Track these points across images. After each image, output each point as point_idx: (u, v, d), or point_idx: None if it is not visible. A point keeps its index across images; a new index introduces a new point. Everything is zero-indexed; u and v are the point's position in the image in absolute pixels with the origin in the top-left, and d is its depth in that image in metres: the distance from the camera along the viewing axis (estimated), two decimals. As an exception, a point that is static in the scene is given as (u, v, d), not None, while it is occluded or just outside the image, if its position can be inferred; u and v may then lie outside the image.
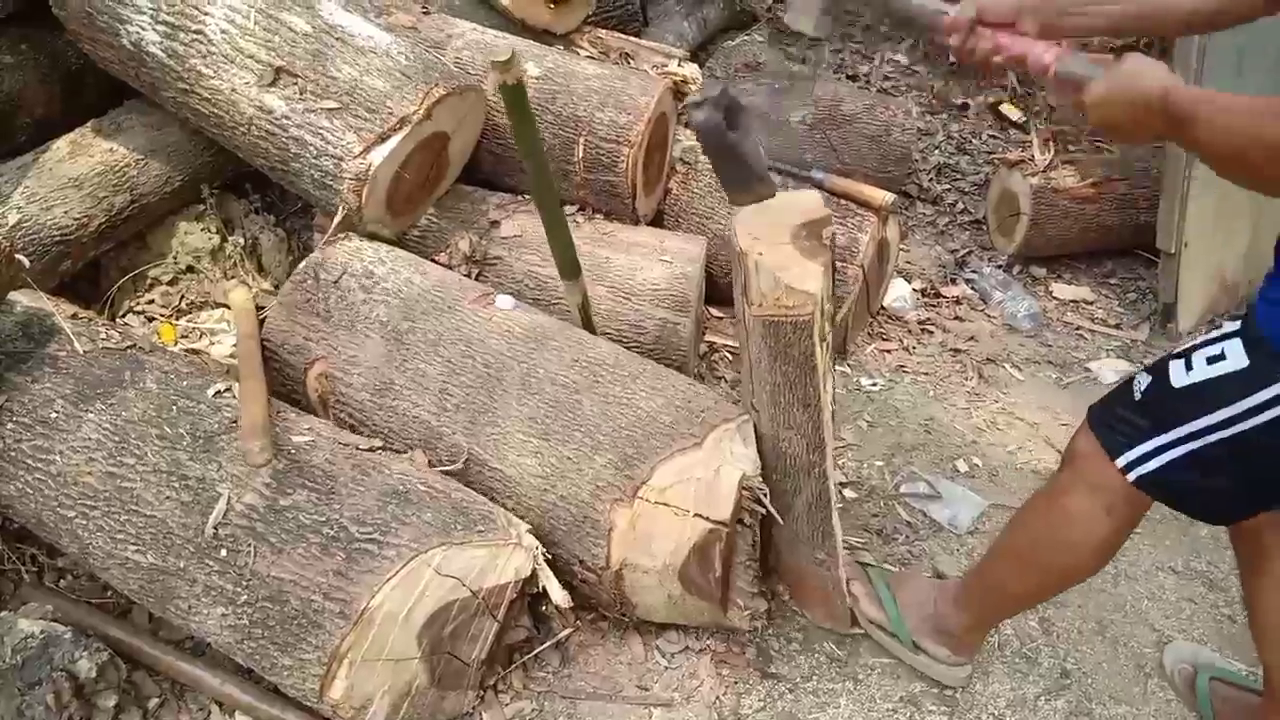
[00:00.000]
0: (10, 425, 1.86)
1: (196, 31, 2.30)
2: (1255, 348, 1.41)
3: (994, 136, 4.38)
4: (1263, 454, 1.44)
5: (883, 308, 3.27)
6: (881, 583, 2.10)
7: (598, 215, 2.80)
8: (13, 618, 1.75)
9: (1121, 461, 1.58)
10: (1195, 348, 1.50)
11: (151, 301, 2.60)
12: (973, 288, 3.55)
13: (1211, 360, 1.46)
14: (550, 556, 1.86)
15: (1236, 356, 1.42)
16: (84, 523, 1.80)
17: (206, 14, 2.29)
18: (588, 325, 2.32)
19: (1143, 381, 1.58)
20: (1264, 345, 1.40)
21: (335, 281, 2.22)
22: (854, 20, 4.69)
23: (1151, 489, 1.58)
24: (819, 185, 2.91)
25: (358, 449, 1.88)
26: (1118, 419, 1.61)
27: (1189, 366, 1.49)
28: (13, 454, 1.85)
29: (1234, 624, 2.26)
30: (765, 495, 1.90)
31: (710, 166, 1.78)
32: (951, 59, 4.57)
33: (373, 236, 2.38)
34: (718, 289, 2.91)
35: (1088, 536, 1.68)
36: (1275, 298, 1.42)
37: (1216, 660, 2.12)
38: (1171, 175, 3.30)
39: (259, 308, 2.26)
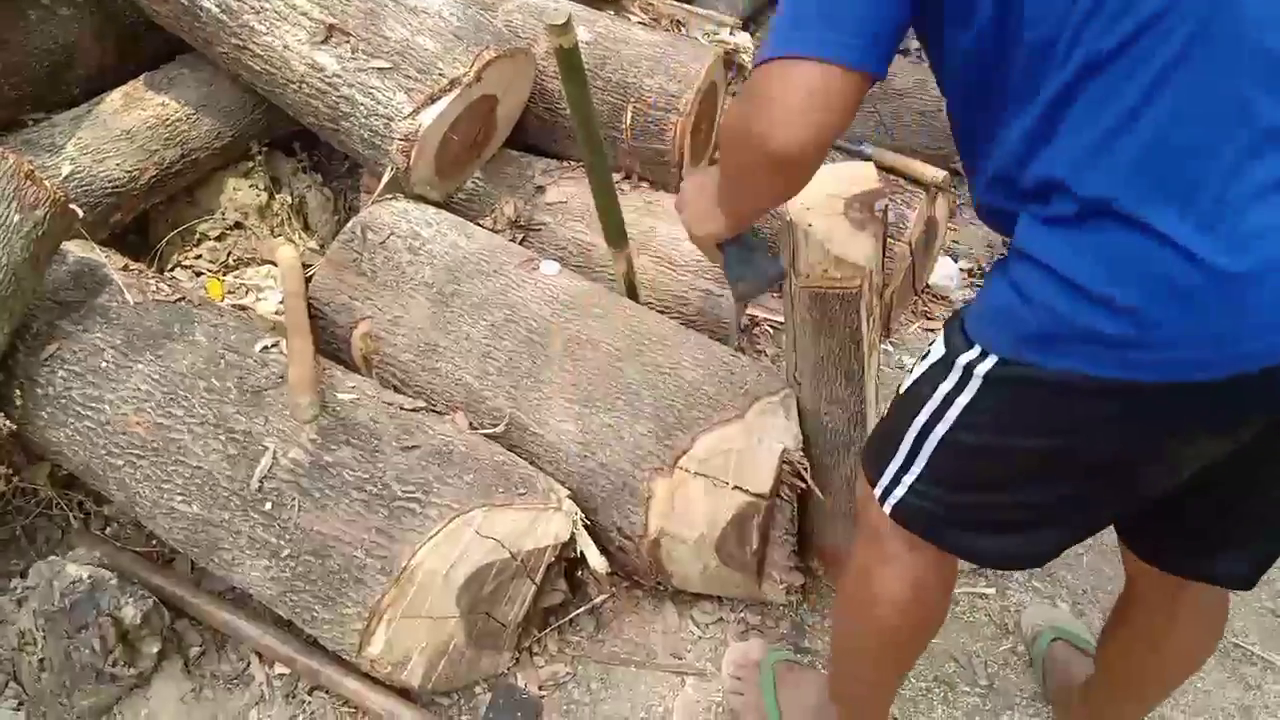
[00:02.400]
0: (61, 373, 1.89)
1: (251, -13, 2.30)
2: (950, 334, 1.23)
3: (1047, 116, 4.30)
4: (971, 462, 1.23)
5: (928, 286, 3.23)
6: (770, 682, 1.86)
7: (643, 183, 2.78)
8: (61, 562, 1.79)
9: (877, 491, 1.35)
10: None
11: (199, 256, 2.62)
12: (1020, 268, 3.49)
13: (923, 357, 1.28)
14: (589, 522, 1.86)
15: (935, 347, 1.25)
16: (131, 471, 1.83)
17: (261, -30, 2.30)
18: (632, 294, 2.31)
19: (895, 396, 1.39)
20: (956, 328, 1.22)
21: (382, 242, 2.22)
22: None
23: (909, 523, 1.33)
24: (869, 160, 2.88)
25: (401, 408, 1.89)
26: (872, 442, 1.41)
27: (910, 370, 1.32)
28: (63, 401, 1.88)
29: (1277, 618, 2.23)
30: (806, 470, 1.89)
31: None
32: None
33: (419, 198, 2.39)
34: (762, 262, 2.89)
35: (882, 595, 1.40)
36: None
37: (1068, 625, 2.05)
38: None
39: (306, 266, 2.27)
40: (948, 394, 1.20)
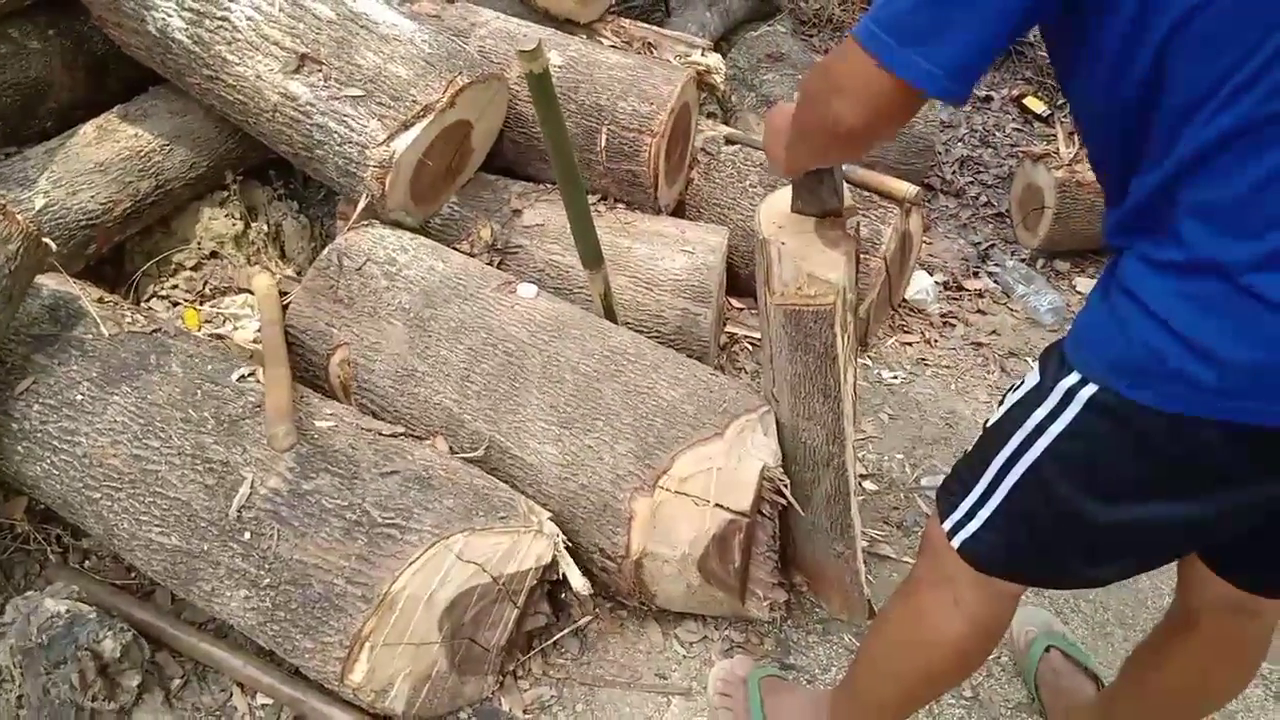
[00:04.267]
0: (37, 407, 1.88)
1: (222, 18, 2.31)
2: (1047, 362, 1.24)
3: (1018, 129, 4.36)
4: (1058, 489, 1.22)
5: (904, 300, 3.25)
6: (756, 698, 1.85)
7: (619, 205, 2.80)
8: (39, 597, 1.77)
9: (947, 525, 1.37)
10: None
11: (175, 286, 2.61)
12: (995, 281, 3.53)
13: (1015, 389, 1.29)
14: (570, 544, 1.86)
15: (1030, 376, 1.26)
16: (109, 504, 1.82)
17: (232, 0, 2.30)
18: (609, 314, 2.32)
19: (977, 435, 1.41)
20: (1054, 355, 1.23)
21: (358, 269, 2.23)
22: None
23: (978, 560, 1.35)
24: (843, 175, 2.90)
25: (380, 434, 1.88)
26: (951, 479, 1.41)
27: (1001, 402, 1.33)
28: (39, 435, 1.86)
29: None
30: (786, 486, 1.89)
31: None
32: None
33: (396, 224, 2.39)
34: (739, 279, 2.91)
35: (941, 637, 1.42)
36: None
37: (1063, 632, 2.06)
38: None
39: (282, 294, 2.27)
40: (1041, 421, 1.21)
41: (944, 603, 1.41)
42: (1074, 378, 1.17)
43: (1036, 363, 1.28)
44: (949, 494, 1.39)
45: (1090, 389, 1.15)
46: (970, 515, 1.34)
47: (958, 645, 1.42)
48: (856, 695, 1.65)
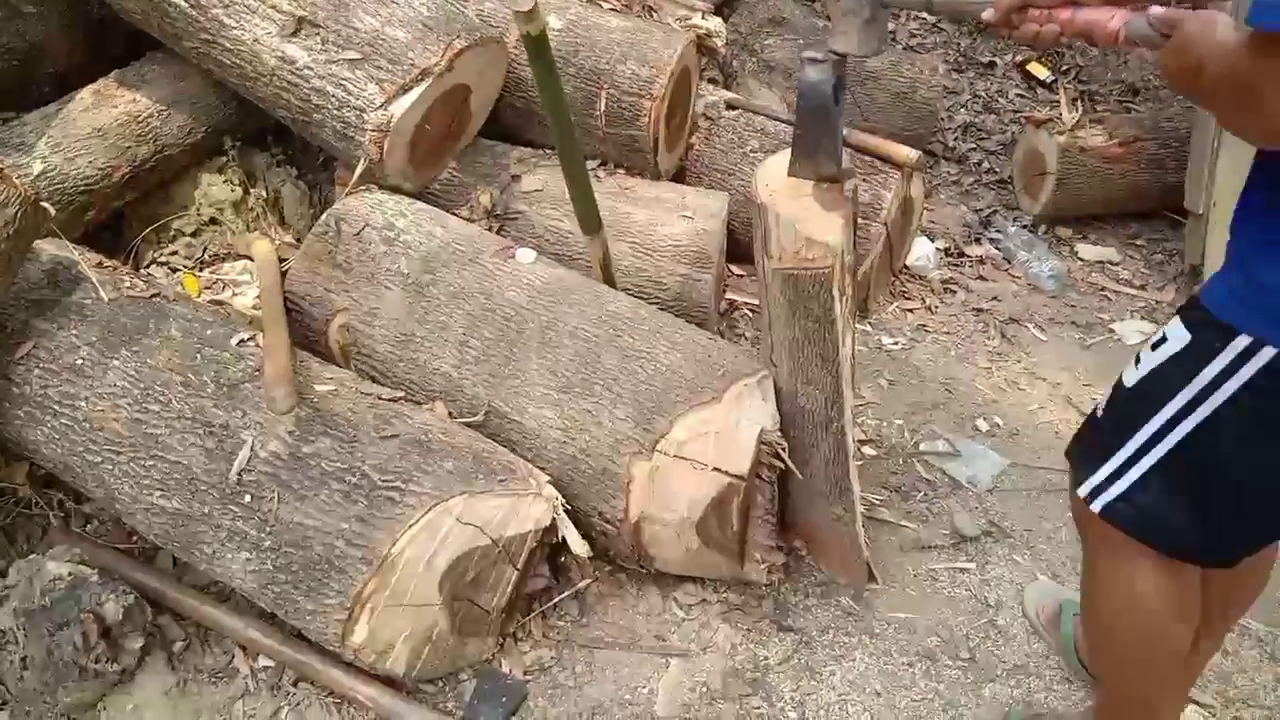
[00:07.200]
0: (37, 371, 1.88)
1: (218, -19, 2.29)
2: (1194, 320, 1.26)
3: (1021, 95, 4.33)
4: (1223, 454, 1.26)
5: (905, 266, 3.25)
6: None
7: (619, 170, 2.79)
8: (41, 560, 1.79)
9: (1084, 491, 1.41)
10: (1145, 342, 1.36)
11: (175, 253, 2.61)
12: (997, 247, 3.52)
13: (1156, 345, 1.31)
14: (570, 508, 1.87)
15: (1177, 334, 1.28)
16: (110, 468, 1.82)
17: (228, -37, 2.29)
18: (608, 280, 2.32)
19: (1102, 398, 1.44)
20: (1202, 314, 1.25)
21: (357, 234, 2.22)
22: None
23: (1123, 522, 1.38)
24: (843, 141, 2.89)
25: (379, 399, 1.89)
26: (1085, 445, 1.46)
27: (1138, 362, 1.35)
28: (40, 399, 1.87)
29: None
30: (784, 450, 1.90)
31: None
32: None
33: (394, 189, 2.38)
34: (739, 246, 2.89)
35: (1154, 608, 1.44)
36: (1223, 273, 1.26)
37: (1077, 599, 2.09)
38: (1200, 135, 3.25)
39: (281, 260, 2.26)
40: (1214, 379, 1.23)
41: (1128, 571, 1.43)
42: (1244, 339, 1.19)
43: (1176, 319, 1.29)
44: (1085, 460, 1.41)
45: (1270, 351, 1.17)
46: (1114, 478, 1.37)
47: (1175, 606, 1.44)
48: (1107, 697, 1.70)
